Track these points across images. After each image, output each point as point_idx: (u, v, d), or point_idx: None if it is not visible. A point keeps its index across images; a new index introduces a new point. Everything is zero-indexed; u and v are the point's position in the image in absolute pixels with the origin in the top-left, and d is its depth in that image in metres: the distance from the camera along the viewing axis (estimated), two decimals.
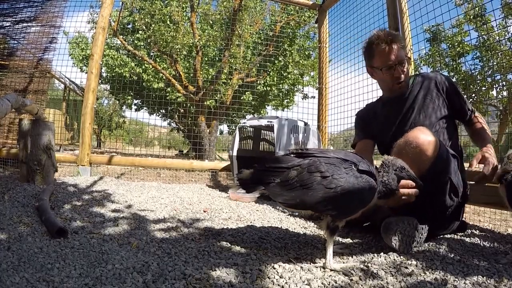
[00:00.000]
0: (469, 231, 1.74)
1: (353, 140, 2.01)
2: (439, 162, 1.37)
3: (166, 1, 7.43)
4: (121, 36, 7.16)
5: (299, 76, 8.39)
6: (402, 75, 1.67)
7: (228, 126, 9.34)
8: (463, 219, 1.76)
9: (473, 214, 2.36)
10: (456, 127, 1.76)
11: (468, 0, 5.16)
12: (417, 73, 1.87)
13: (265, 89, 8.10)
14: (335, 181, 1.09)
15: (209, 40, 7.14)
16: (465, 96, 1.71)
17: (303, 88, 8.82)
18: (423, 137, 1.36)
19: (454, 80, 5.84)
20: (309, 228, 1.76)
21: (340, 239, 1.53)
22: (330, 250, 1.14)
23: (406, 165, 1.25)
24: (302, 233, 1.63)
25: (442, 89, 1.67)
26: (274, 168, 1.16)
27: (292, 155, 1.21)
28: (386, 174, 1.22)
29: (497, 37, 5.34)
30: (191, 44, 6.75)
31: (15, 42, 3.55)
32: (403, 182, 1.27)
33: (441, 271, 1.11)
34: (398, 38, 1.65)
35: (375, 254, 1.28)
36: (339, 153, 1.18)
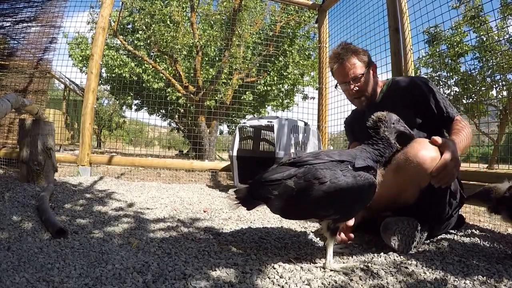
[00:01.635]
0: (469, 231, 1.74)
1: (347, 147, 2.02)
2: None
3: (166, 1, 7.43)
4: (121, 36, 7.16)
5: (299, 76, 8.40)
6: (366, 91, 1.65)
7: (228, 126, 9.35)
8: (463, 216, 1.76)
9: (473, 214, 2.36)
10: (441, 132, 1.65)
11: (465, 2, 5.16)
12: (392, 78, 1.84)
13: (265, 89, 8.10)
14: (333, 185, 1.07)
15: (209, 40, 7.14)
16: (443, 100, 1.58)
17: (303, 88, 8.83)
18: (424, 153, 1.31)
19: (452, 81, 5.84)
20: (309, 228, 1.76)
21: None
22: (330, 250, 1.14)
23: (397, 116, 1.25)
24: (302, 233, 1.63)
25: (414, 95, 1.60)
26: (270, 182, 1.13)
27: (286, 165, 1.18)
28: (387, 129, 1.20)
29: (496, 37, 5.34)
30: (191, 44, 6.75)
31: (15, 42, 3.56)
32: None
33: (441, 271, 1.11)
34: (350, 55, 1.62)
35: (375, 254, 1.28)
36: (333, 155, 1.15)
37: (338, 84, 1.73)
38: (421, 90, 1.59)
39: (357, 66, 1.62)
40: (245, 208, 1.20)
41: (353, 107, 1.98)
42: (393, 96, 1.67)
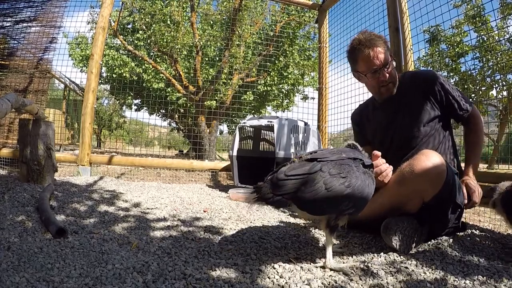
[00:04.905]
0: (469, 231, 1.73)
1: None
2: (446, 190, 1.35)
3: (167, 1, 7.43)
4: (121, 36, 7.16)
5: (300, 76, 8.40)
6: (394, 78, 1.64)
7: (228, 126, 9.35)
8: (463, 219, 1.76)
9: (473, 214, 2.36)
10: (450, 125, 1.70)
11: (467, 1, 5.16)
12: (404, 72, 1.84)
13: (265, 89, 8.10)
14: (353, 181, 1.12)
15: (209, 40, 7.14)
16: (458, 94, 1.62)
17: (303, 88, 8.83)
18: (430, 167, 1.31)
19: (452, 80, 5.84)
20: (309, 228, 1.76)
21: (337, 241, 1.53)
22: (329, 250, 1.14)
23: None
24: (302, 233, 1.63)
25: (429, 89, 1.61)
26: (295, 176, 1.10)
27: (306, 161, 1.17)
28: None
29: (497, 37, 5.34)
30: (191, 44, 6.75)
31: (15, 42, 3.56)
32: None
33: (441, 271, 1.11)
34: (381, 40, 1.60)
35: (375, 254, 1.28)
36: (348, 153, 1.21)
37: (363, 73, 1.65)
38: (432, 83, 1.61)
39: (386, 52, 1.60)
40: (270, 207, 1.18)
41: (357, 106, 1.96)
42: (410, 88, 1.66)
